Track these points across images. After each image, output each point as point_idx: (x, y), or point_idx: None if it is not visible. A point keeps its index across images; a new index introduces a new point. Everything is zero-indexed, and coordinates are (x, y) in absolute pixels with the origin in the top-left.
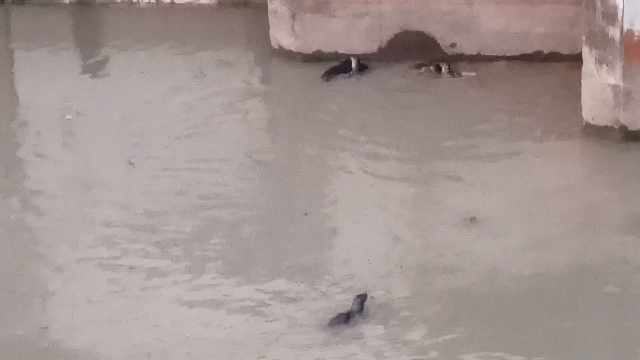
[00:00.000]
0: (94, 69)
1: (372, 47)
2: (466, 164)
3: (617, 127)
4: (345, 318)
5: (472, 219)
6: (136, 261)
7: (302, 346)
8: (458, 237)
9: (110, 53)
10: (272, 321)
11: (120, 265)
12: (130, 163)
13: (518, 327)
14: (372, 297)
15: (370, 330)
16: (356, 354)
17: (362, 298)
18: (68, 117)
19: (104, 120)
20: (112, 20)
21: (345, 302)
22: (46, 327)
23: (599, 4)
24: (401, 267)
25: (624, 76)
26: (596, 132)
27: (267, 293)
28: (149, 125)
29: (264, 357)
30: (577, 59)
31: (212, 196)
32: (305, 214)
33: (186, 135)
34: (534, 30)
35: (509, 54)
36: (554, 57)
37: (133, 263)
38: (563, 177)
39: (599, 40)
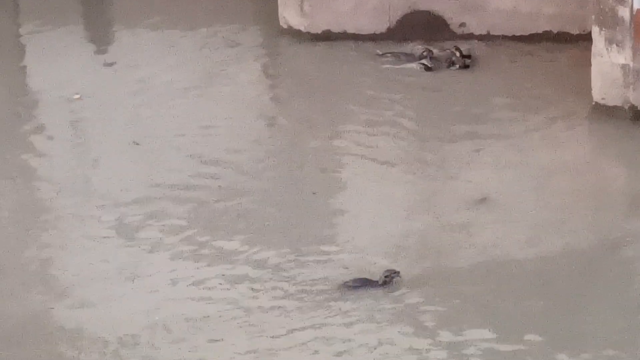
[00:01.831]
0: (102, 48)
1: (381, 27)
2: (475, 144)
3: (626, 107)
4: (362, 282)
5: (482, 200)
6: (142, 239)
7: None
8: (466, 217)
9: (118, 31)
10: (286, 291)
11: (128, 241)
12: (135, 143)
13: (519, 307)
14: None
15: (372, 302)
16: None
17: (390, 273)
18: (76, 96)
19: (111, 100)
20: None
21: (351, 275)
22: (53, 308)
23: None
24: (408, 245)
25: (634, 56)
26: (606, 112)
27: (276, 267)
28: (155, 104)
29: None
30: (586, 38)
31: (218, 175)
32: (313, 193)
33: (193, 114)
34: (544, 9)
35: (518, 34)
36: (563, 37)
37: (140, 241)
38: (572, 157)
39: (609, 20)
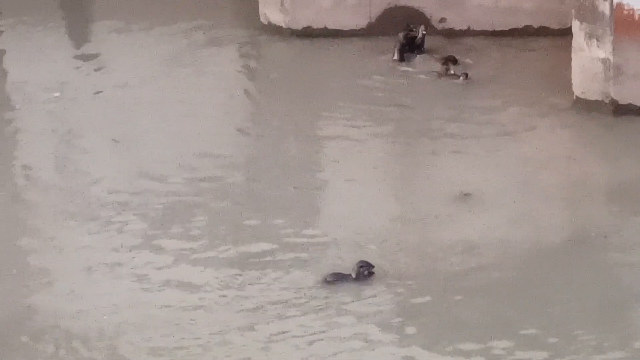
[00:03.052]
0: (82, 47)
1: (361, 22)
2: (457, 138)
3: (607, 101)
4: (339, 277)
5: (467, 195)
6: (124, 235)
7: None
8: (451, 210)
9: (98, 30)
10: (263, 286)
11: (108, 239)
12: (114, 140)
13: (508, 299)
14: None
15: (353, 295)
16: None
17: (364, 266)
18: (56, 94)
19: (91, 99)
20: None
21: (333, 270)
22: (29, 306)
23: None
24: (393, 240)
25: (614, 50)
26: (586, 106)
27: (256, 263)
28: (136, 103)
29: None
30: (567, 33)
31: (200, 170)
32: (295, 188)
33: (175, 111)
34: (524, 4)
35: (498, 29)
36: (543, 32)
37: (122, 238)
38: (554, 151)
39: (589, 15)
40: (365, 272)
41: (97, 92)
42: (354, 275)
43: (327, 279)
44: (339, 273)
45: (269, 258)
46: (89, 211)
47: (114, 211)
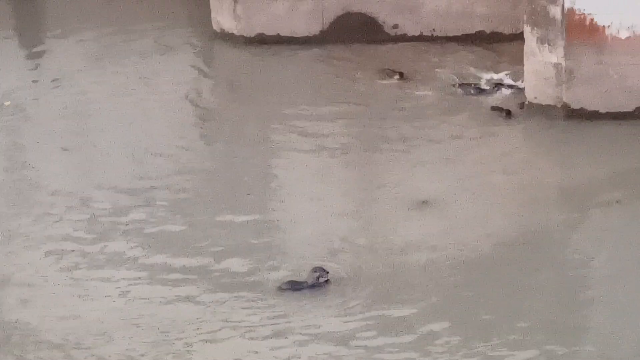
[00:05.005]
0: (33, 56)
1: (314, 29)
2: (411, 145)
3: (559, 106)
4: (293, 286)
5: (424, 202)
6: (75, 244)
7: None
8: (407, 216)
9: (50, 38)
10: (217, 295)
11: (59, 247)
12: (64, 149)
13: (467, 300)
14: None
15: (312, 302)
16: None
17: (317, 272)
18: (6, 103)
19: (41, 107)
20: (53, 4)
21: (288, 278)
22: None
23: None
24: (349, 246)
25: (566, 55)
26: (539, 111)
27: (212, 270)
28: (84, 111)
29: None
30: (519, 38)
31: (153, 177)
32: (248, 194)
33: (124, 118)
34: (476, 10)
35: (450, 35)
36: (496, 37)
37: (73, 246)
38: (507, 156)
39: (541, 20)
40: (320, 278)
41: (35, 99)
42: (309, 282)
43: (282, 287)
44: (293, 281)
45: (223, 265)
46: (39, 217)
47: (61, 216)
